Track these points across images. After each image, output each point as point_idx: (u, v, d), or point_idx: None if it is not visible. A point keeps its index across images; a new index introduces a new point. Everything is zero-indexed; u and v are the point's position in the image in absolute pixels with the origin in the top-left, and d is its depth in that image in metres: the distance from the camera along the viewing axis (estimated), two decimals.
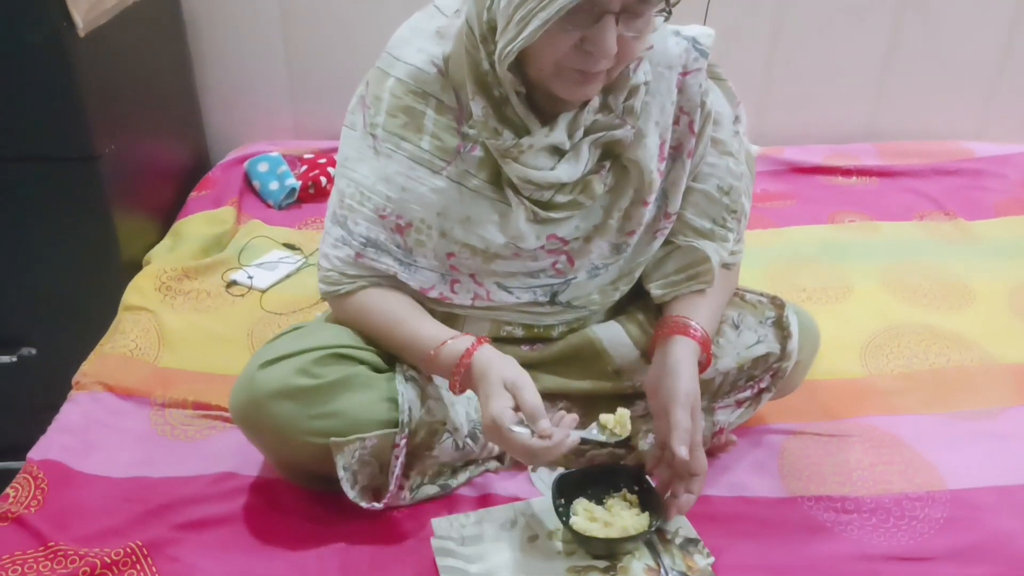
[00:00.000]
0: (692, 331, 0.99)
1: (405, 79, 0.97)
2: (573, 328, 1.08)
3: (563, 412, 0.91)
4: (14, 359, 1.44)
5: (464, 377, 0.93)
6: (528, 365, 1.05)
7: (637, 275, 1.05)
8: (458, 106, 0.96)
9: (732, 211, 1.05)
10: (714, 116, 1.02)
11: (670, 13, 0.88)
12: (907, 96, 1.98)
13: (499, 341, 1.06)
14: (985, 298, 1.45)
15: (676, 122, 1.00)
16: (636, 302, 1.10)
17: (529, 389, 0.88)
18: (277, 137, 1.90)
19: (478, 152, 0.96)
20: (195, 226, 1.56)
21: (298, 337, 0.98)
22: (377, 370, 0.99)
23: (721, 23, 1.78)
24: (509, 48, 0.84)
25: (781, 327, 1.04)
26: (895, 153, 1.94)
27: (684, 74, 1.00)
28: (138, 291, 1.36)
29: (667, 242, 1.06)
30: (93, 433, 1.09)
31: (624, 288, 1.05)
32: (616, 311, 1.11)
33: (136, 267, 1.45)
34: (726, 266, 1.08)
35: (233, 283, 1.44)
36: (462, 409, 1.01)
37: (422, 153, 0.96)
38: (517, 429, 0.85)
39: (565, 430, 0.87)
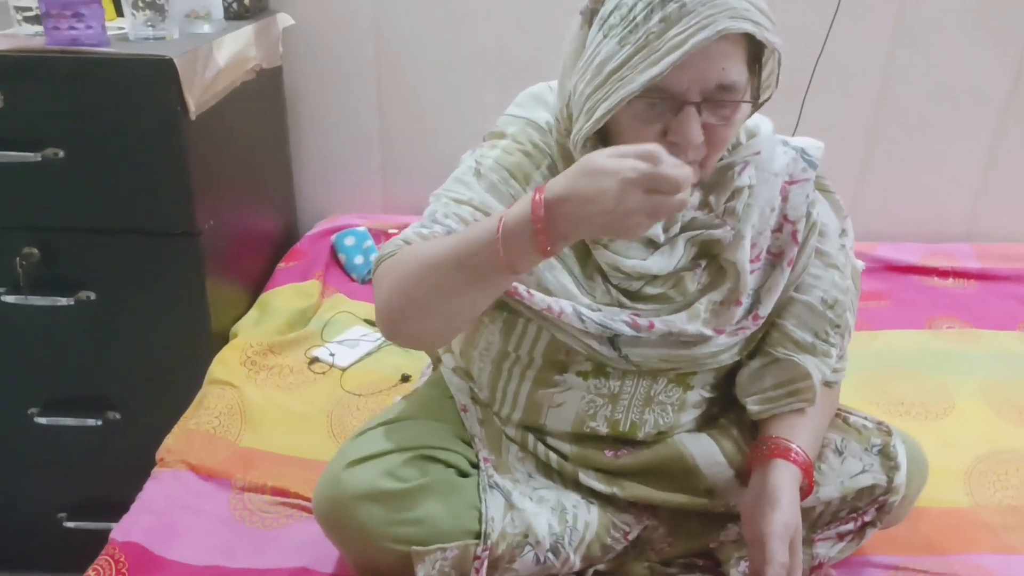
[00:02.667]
0: (793, 455, 0.94)
1: (530, 130, 0.95)
2: (660, 432, 1.04)
3: None
4: (99, 423, 1.47)
5: (547, 220, 0.72)
6: (613, 473, 1.03)
7: (711, 363, 1.00)
8: None
9: (836, 326, 1.01)
10: (820, 228, 0.99)
11: (756, 101, 0.86)
12: (1010, 194, 1.91)
13: (582, 441, 1.03)
14: None
15: (779, 230, 0.98)
16: (729, 415, 1.06)
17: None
18: (366, 211, 1.94)
19: None
20: (282, 299, 1.59)
21: (385, 435, 0.97)
22: (463, 473, 0.97)
23: (817, 112, 1.77)
24: (580, 135, 0.85)
25: (888, 457, 0.98)
26: (995, 256, 1.86)
27: (791, 183, 0.98)
28: (224, 365, 1.38)
29: (765, 354, 1.02)
30: (175, 515, 1.09)
31: (704, 377, 1.01)
32: (707, 422, 1.07)
33: (224, 339, 1.47)
34: (828, 384, 1.03)
35: (315, 360, 1.45)
36: (544, 521, 0.98)
37: (526, 195, 0.94)
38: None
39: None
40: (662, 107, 0.82)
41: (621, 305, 0.94)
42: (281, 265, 1.72)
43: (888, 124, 1.85)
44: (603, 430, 1.03)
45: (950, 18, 1.76)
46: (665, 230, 0.92)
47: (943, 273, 1.83)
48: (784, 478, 0.92)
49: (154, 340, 1.42)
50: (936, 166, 1.89)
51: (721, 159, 0.93)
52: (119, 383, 1.46)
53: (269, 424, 1.28)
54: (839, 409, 1.06)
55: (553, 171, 0.93)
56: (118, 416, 1.48)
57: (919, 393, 1.43)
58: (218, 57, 1.37)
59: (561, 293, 0.92)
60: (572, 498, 1.02)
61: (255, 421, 1.28)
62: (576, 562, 1.00)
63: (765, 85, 0.90)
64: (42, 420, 1.46)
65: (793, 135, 1.79)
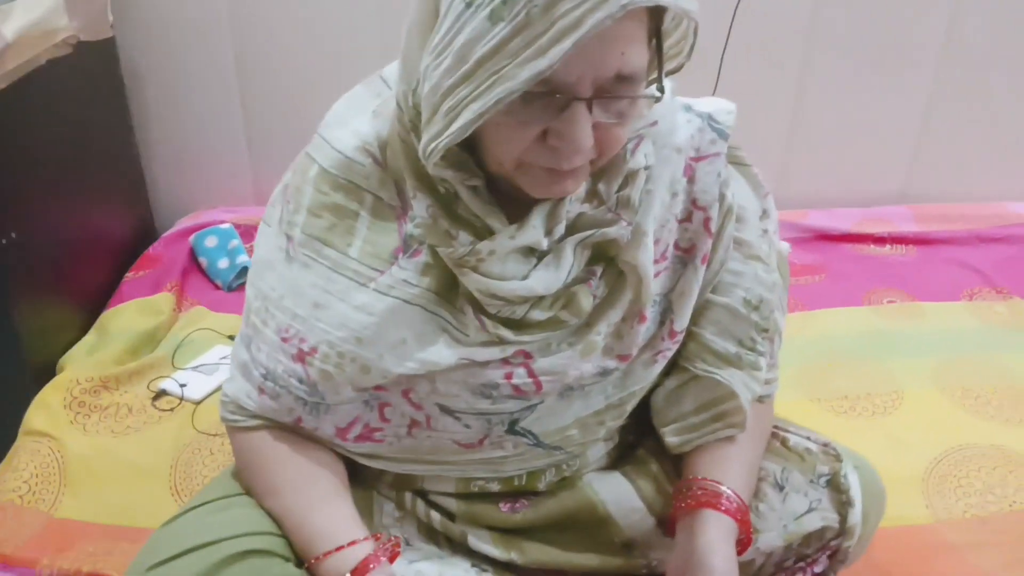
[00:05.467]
0: (724, 502, 0.75)
1: (332, 170, 0.74)
2: (564, 478, 0.84)
3: None
4: None
5: None
6: (510, 531, 0.83)
7: (629, 408, 0.81)
8: (401, 203, 0.73)
9: (763, 330, 0.82)
10: (737, 212, 0.80)
11: (662, 91, 0.65)
12: (946, 150, 1.77)
13: (469, 498, 0.83)
14: None
15: (687, 219, 0.78)
16: (647, 442, 0.87)
17: None
18: (236, 203, 1.68)
19: (423, 257, 0.73)
20: (124, 318, 1.33)
21: (198, 521, 0.74)
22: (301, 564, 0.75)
23: (736, 73, 1.59)
24: (433, 146, 0.62)
25: (839, 489, 0.80)
26: (934, 217, 1.72)
27: (697, 159, 0.77)
28: (43, 410, 1.13)
29: (682, 370, 0.82)
30: None
31: (612, 424, 0.81)
32: (623, 455, 0.88)
33: (51, 374, 1.22)
34: (759, 399, 0.85)
35: (162, 393, 1.21)
36: None
37: (347, 261, 0.73)
38: None
39: None
40: (544, 103, 0.60)
41: (503, 341, 0.73)
42: (129, 275, 1.46)
43: (815, 82, 1.68)
44: (494, 488, 0.83)
45: None
46: (548, 232, 0.71)
47: (879, 240, 1.69)
48: (715, 535, 0.73)
49: None
50: (868, 124, 1.74)
51: None
52: None
53: (96, 484, 1.04)
54: (775, 426, 0.88)
55: (377, 209, 0.73)
56: None
57: (863, 383, 1.27)
58: (4, 29, 1.09)
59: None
60: (460, 567, 0.81)
61: (78, 482, 1.04)
62: None
63: (671, 54, 0.68)
64: None
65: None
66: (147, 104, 1.59)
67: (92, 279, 1.41)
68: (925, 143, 1.75)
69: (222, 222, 1.56)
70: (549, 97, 0.60)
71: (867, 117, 1.72)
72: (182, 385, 1.21)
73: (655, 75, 0.65)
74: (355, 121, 0.76)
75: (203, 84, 1.59)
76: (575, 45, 0.56)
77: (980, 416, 1.19)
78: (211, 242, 1.51)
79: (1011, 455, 1.11)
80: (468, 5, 0.58)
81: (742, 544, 0.76)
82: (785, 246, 0.95)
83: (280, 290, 0.76)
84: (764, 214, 0.84)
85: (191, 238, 1.53)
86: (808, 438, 0.86)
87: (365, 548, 0.72)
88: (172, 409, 1.18)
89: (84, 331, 1.32)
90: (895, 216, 1.73)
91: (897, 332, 1.39)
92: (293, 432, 0.79)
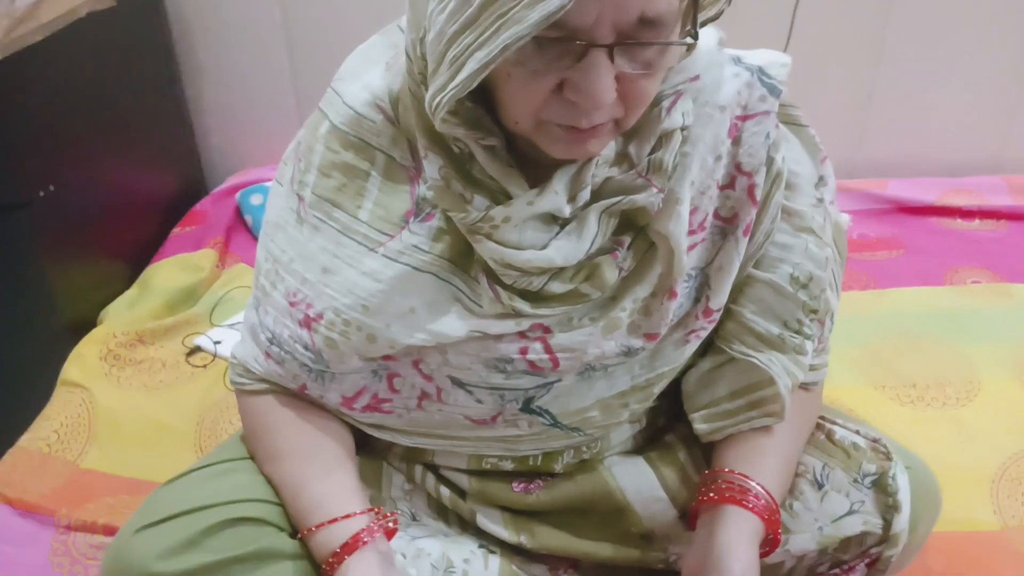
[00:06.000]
0: (752, 499, 0.68)
1: (343, 127, 0.69)
2: (583, 460, 0.78)
3: None
4: None
5: None
6: (522, 513, 0.78)
7: (657, 390, 0.74)
8: (414, 163, 0.68)
9: (812, 311, 0.73)
10: (788, 179, 0.71)
11: (695, 38, 0.57)
12: None
13: (482, 476, 0.78)
14: None
15: (730, 185, 0.69)
16: (679, 428, 0.80)
17: None
18: None
19: (435, 221, 0.67)
20: (166, 274, 1.33)
21: (196, 484, 0.72)
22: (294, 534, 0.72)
23: (813, 28, 1.46)
24: (438, 100, 0.55)
25: (885, 492, 0.72)
26: None
27: (743, 118, 0.69)
28: (79, 361, 1.14)
29: (718, 351, 0.75)
30: None
31: (638, 407, 0.74)
32: (650, 439, 0.81)
33: (91, 327, 1.22)
34: (805, 387, 0.77)
35: (196, 350, 1.20)
36: None
37: (357, 225, 0.68)
38: None
39: None
40: (559, 49, 0.54)
41: (518, 313, 0.67)
42: (175, 231, 1.46)
43: (898, 34, 1.53)
44: (507, 466, 0.78)
45: None
46: (571, 198, 0.64)
47: (967, 213, 1.54)
48: (737, 534, 0.67)
49: (5, 332, 1.17)
50: (957, 82, 1.57)
51: None
52: None
53: (122, 438, 1.05)
54: (822, 417, 0.79)
55: (390, 169, 0.68)
56: None
57: (936, 370, 1.15)
58: None
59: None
60: (466, 548, 0.77)
61: (105, 434, 1.05)
62: None
63: (706, 2, 0.60)
64: None
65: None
66: (197, 60, 1.57)
67: (138, 234, 1.41)
68: (1022, 104, 1.58)
69: (269, 180, 1.54)
70: (565, 43, 0.53)
71: (956, 74, 1.56)
72: (216, 342, 1.20)
73: (685, 25, 0.57)
74: (368, 74, 0.71)
75: (251, 41, 1.56)
76: None
77: None
78: (256, 200, 1.49)
79: None
80: None
81: (769, 546, 0.69)
82: (845, 218, 0.86)
83: (290, 253, 0.72)
84: (820, 181, 0.75)
85: (237, 195, 1.52)
86: (857, 432, 0.77)
87: (360, 522, 0.68)
88: (205, 366, 1.17)
89: (129, 285, 1.33)
90: (986, 187, 1.57)
91: (980, 315, 1.27)
92: (300, 398, 0.76)
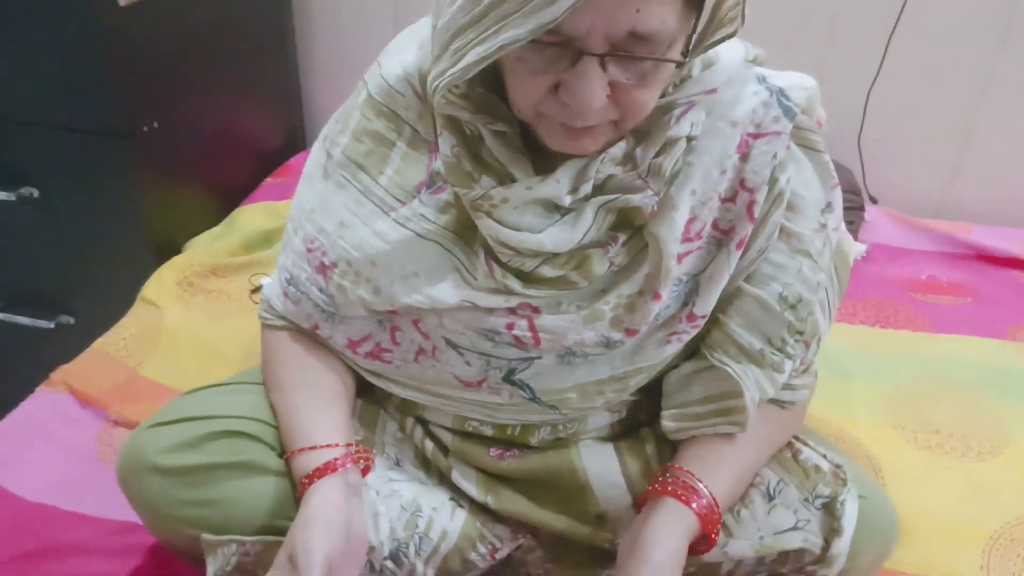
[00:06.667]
0: (695, 497, 0.72)
1: (378, 97, 0.77)
2: (559, 438, 0.83)
3: None
4: (52, 325, 1.41)
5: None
6: (494, 476, 0.84)
7: (634, 384, 0.78)
8: (436, 139, 0.74)
9: (797, 332, 0.75)
10: (790, 199, 0.73)
11: (686, 55, 0.61)
12: None
13: (463, 436, 0.85)
14: None
15: (731, 198, 0.72)
16: (654, 424, 0.83)
17: None
18: None
19: (445, 195, 0.74)
20: (251, 217, 1.46)
21: (210, 396, 0.82)
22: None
23: (912, 56, 1.41)
24: (436, 83, 0.61)
25: (832, 515, 0.73)
26: None
27: (755, 136, 0.71)
28: (158, 283, 1.27)
29: (701, 357, 0.78)
30: (33, 441, 1.00)
31: (613, 396, 0.78)
32: (628, 430, 0.85)
33: (176, 252, 1.37)
34: (778, 403, 0.78)
35: (259, 288, 1.31)
36: (386, 523, 0.80)
37: (375, 188, 0.76)
38: None
39: None
40: (556, 53, 0.59)
41: (509, 291, 0.72)
42: (268, 180, 1.59)
43: (1008, 71, 1.45)
44: (487, 431, 0.84)
45: None
46: (573, 190, 0.69)
47: None
48: (668, 525, 0.70)
49: (99, 247, 1.33)
50: None
51: (663, 95, 0.69)
52: (70, 286, 1.40)
53: (179, 354, 1.17)
54: (796, 437, 0.81)
55: (414, 142, 0.75)
56: (72, 321, 1.42)
57: (966, 421, 1.12)
58: None
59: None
60: (437, 498, 0.84)
61: (165, 348, 1.17)
62: (427, 574, 0.82)
63: (721, 22, 0.63)
64: None
65: (875, 81, 1.46)
66: (311, 20, 1.69)
67: (233, 177, 1.55)
68: None
69: None
70: (561, 48, 0.58)
71: None
72: None
73: (678, 46, 0.61)
74: (407, 50, 0.78)
75: (362, 10, 1.66)
76: None
77: None
78: None
79: None
80: None
81: (704, 544, 0.72)
82: (859, 247, 0.87)
83: (312, 203, 0.80)
84: (828, 207, 0.76)
85: None
86: (824, 456, 0.78)
87: (336, 452, 0.76)
88: None
89: (217, 222, 1.46)
90: None
91: None
92: (312, 339, 0.84)
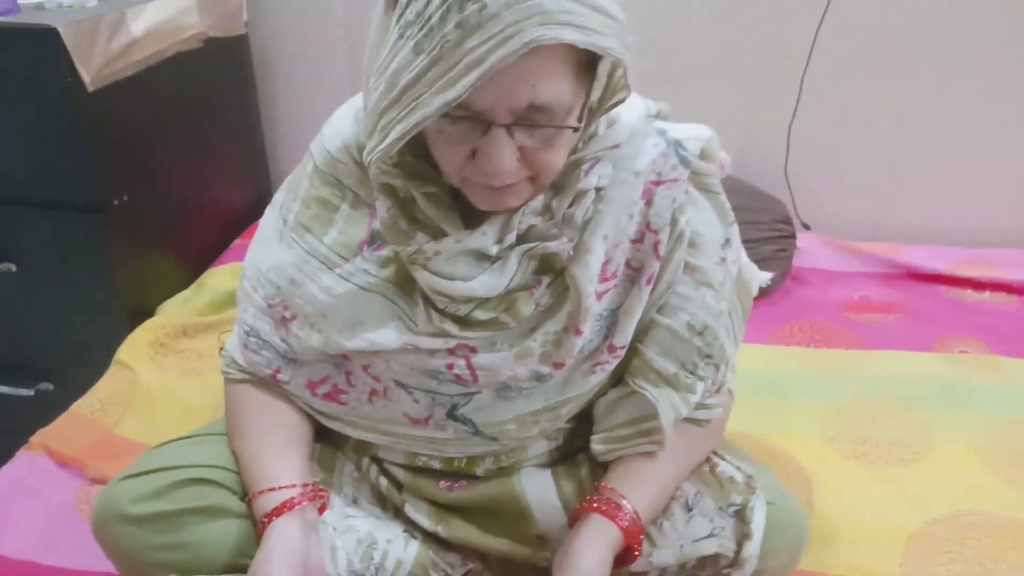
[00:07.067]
0: (620, 513, 0.79)
1: (323, 167, 0.86)
2: (502, 467, 0.90)
3: None
4: (31, 393, 1.47)
5: None
6: (444, 507, 0.91)
7: (565, 412, 0.86)
8: (375, 202, 0.83)
9: (706, 355, 0.83)
10: (692, 238, 0.82)
11: (576, 130, 0.70)
12: None
13: (415, 471, 0.91)
14: None
15: (640, 239, 0.81)
16: (589, 449, 0.91)
17: None
18: None
19: (386, 251, 0.82)
20: (221, 278, 1.54)
21: (177, 448, 0.89)
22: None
23: (823, 86, 1.52)
24: (369, 159, 0.70)
25: (743, 520, 0.81)
26: None
27: (657, 183, 0.80)
28: (132, 346, 1.34)
29: (624, 384, 0.86)
30: (14, 502, 1.06)
31: (547, 425, 0.86)
32: (564, 454, 0.93)
33: (149, 317, 1.44)
34: (695, 422, 0.86)
35: None
36: (343, 556, 0.87)
37: (320, 247, 0.84)
38: None
39: None
40: (469, 125, 0.67)
41: (447, 334, 0.81)
42: (237, 242, 1.67)
43: (922, 101, 1.57)
44: (436, 465, 0.91)
45: None
46: (498, 241, 0.77)
47: (979, 285, 1.55)
48: (594, 539, 0.77)
49: (75, 315, 1.40)
50: (982, 154, 1.60)
51: (574, 152, 0.78)
52: (48, 354, 1.46)
53: (155, 412, 1.23)
54: (715, 452, 0.89)
55: (356, 204, 0.84)
56: (51, 387, 1.48)
57: (894, 431, 1.20)
58: (133, 27, 1.31)
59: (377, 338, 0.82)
60: (392, 531, 0.90)
61: (141, 408, 1.24)
62: None
63: (616, 88, 0.73)
64: None
65: (793, 117, 1.57)
66: (275, 96, 1.80)
67: (202, 242, 1.63)
68: None
69: None
70: (472, 121, 0.67)
71: (981, 145, 1.58)
72: None
73: (572, 120, 0.70)
74: (344, 123, 0.87)
75: (324, 78, 1.77)
76: (481, 78, 0.62)
77: (1013, 485, 1.10)
78: None
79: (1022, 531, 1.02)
80: (401, 35, 0.66)
81: (629, 556, 0.79)
82: (763, 276, 0.95)
83: (269, 263, 0.88)
84: (727, 243, 0.85)
85: None
86: (738, 468, 0.86)
87: (293, 492, 0.83)
88: None
89: (188, 285, 1.54)
90: (1005, 260, 1.58)
91: (959, 384, 1.29)
92: (272, 389, 0.92)
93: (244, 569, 0.81)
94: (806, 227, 1.67)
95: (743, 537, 0.80)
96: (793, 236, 1.54)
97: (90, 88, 1.23)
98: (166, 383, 1.29)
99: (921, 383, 1.30)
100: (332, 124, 0.89)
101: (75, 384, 1.32)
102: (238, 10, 1.63)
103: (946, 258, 1.59)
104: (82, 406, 1.22)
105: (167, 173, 1.48)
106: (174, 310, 1.45)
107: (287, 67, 1.78)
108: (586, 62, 0.69)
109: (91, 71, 1.22)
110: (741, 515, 0.81)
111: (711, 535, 0.81)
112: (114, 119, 1.31)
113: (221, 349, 1.37)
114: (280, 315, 0.87)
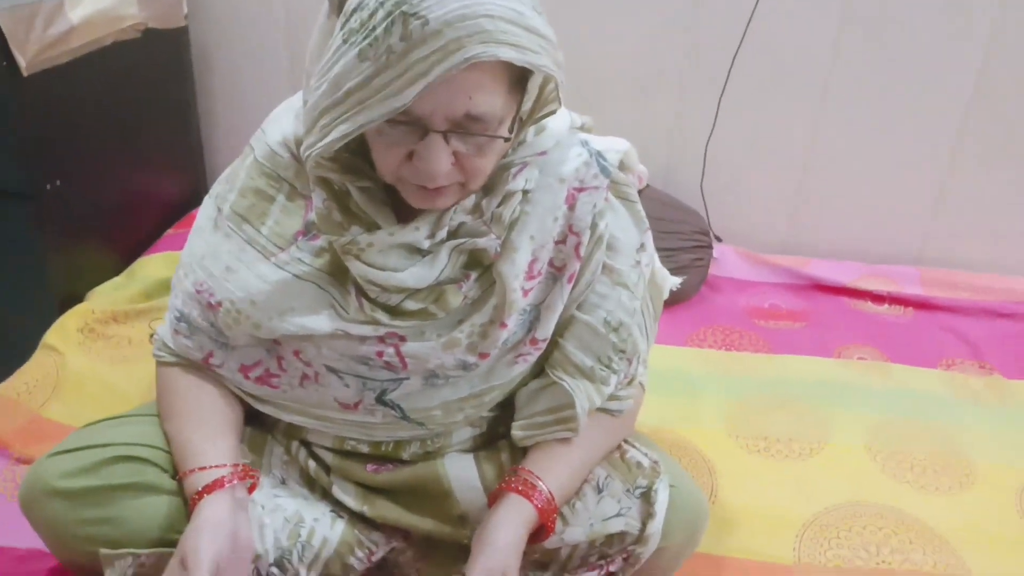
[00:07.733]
0: (535, 492, 0.85)
1: (261, 160, 0.89)
2: (428, 452, 0.95)
3: None
4: None
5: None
6: (370, 489, 0.95)
7: (489, 400, 0.92)
8: (311, 194, 0.87)
9: (620, 351, 0.90)
10: (610, 241, 0.89)
11: (507, 139, 0.77)
12: (970, 218, 1.73)
13: (343, 455, 0.95)
14: (989, 486, 1.20)
15: (562, 240, 0.87)
16: (511, 435, 0.96)
17: None
18: None
19: (320, 242, 0.86)
20: (152, 266, 1.54)
21: (107, 427, 0.91)
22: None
23: (741, 108, 1.63)
24: (307, 154, 0.75)
25: (648, 501, 0.88)
26: (941, 282, 1.69)
27: (579, 190, 0.87)
28: (60, 330, 1.34)
29: (545, 375, 0.92)
30: None
31: (472, 412, 0.92)
32: (488, 442, 0.98)
33: (77, 303, 1.44)
34: (608, 412, 0.93)
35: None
36: (271, 533, 0.90)
37: (258, 236, 0.88)
38: None
39: None
40: (407, 129, 0.73)
41: (378, 323, 0.85)
42: (170, 232, 1.68)
43: (831, 129, 1.69)
44: (364, 449, 0.95)
45: (908, 11, 1.58)
46: (430, 235, 0.83)
47: (878, 297, 1.68)
48: (509, 516, 0.83)
49: (5, 302, 1.40)
50: (888, 177, 1.72)
51: (505, 155, 0.84)
52: None
53: (81, 397, 1.24)
54: (626, 440, 0.96)
55: (292, 195, 0.88)
56: None
57: (792, 428, 1.29)
58: (71, 15, 1.31)
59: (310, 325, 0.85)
60: (318, 510, 0.94)
61: (67, 392, 1.24)
62: None
63: (546, 101, 0.79)
64: None
65: (710, 136, 1.68)
66: (213, 89, 1.81)
67: (135, 231, 1.63)
68: (946, 205, 1.72)
69: None
70: (411, 126, 0.72)
71: (888, 170, 1.71)
72: None
73: (503, 130, 0.76)
74: (285, 119, 0.91)
75: (260, 74, 1.79)
76: (425, 88, 0.68)
77: (897, 479, 1.20)
78: None
79: (907, 520, 1.12)
80: (344, 40, 0.71)
81: (543, 533, 0.85)
82: (673, 280, 1.03)
83: (203, 251, 0.91)
84: (641, 247, 0.92)
85: None
86: (646, 455, 0.93)
87: (223, 471, 0.86)
88: None
89: (119, 273, 1.54)
90: (901, 276, 1.71)
91: (853, 387, 1.40)
92: (203, 372, 0.94)
93: (173, 544, 0.83)
94: (718, 239, 1.77)
95: (647, 516, 0.86)
96: (710, 246, 1.64)
97: (25, 73, 1.23)
98: (95, 368, 1.29)
99: (820, 385, 1.40)
100: (272, 120, 0.92)
101: (3, 370, 1.32)
102: (178, 2, 1.64)
103: (849, 272, 1.71)
104: (8, 388, 1.22)
105: (101, 161, 1.48)
106: (104, 296, 1.45)
107: (226, 61, 1.80)
108: (518, 77, 0.75)
109: (27, 56, 1.23)
110: (646, 496, 0.88)
111: (619, 514, 0.87)
112: (49, 105, 1.31)
113: (152, 336, 1.40)
114: (207, 301, 0.90)
